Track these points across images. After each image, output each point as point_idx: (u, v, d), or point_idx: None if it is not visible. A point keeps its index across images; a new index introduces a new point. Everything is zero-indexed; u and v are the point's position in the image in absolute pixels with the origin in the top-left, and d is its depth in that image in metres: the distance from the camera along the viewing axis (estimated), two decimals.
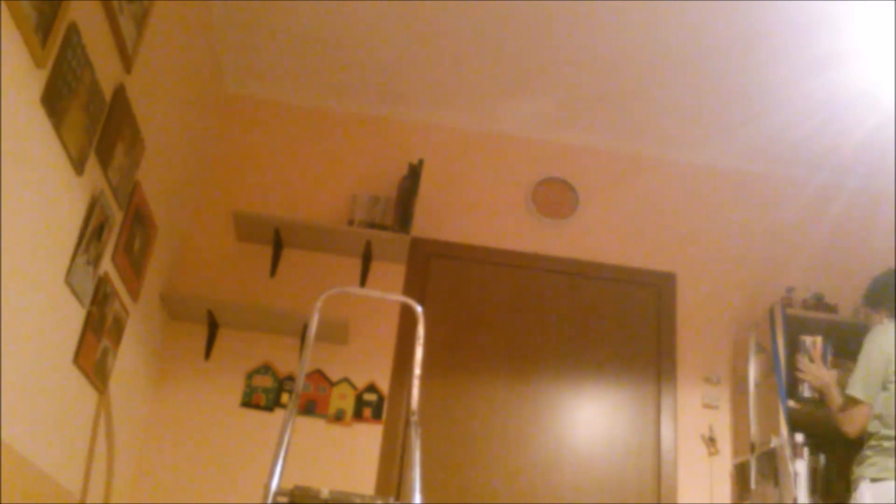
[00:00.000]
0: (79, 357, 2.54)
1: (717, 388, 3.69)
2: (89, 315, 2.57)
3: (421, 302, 2.71)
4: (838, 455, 3.44)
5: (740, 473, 3.49)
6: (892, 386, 2.83)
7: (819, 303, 3.63)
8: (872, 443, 2.82)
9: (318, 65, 3.81)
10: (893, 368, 2.85)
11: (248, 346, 3.57)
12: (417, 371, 2.51)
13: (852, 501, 2.81)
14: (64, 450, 2.57)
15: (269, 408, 3.48)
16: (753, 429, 3.39)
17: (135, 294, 3.02)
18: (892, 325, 2.93)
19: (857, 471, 2.84)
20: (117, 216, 2.70)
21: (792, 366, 3.28)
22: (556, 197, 4.01)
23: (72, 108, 2.19)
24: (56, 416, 2.46)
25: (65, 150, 2.20)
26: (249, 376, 3.52)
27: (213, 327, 3.54)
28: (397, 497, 3.34)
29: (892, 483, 2.70)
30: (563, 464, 3.55)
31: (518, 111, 3.99)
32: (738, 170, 4.15)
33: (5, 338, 2.03)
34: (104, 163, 2.50)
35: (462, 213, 3.94)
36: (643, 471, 3.55)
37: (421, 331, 2.55)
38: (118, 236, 2.75)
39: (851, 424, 2.88)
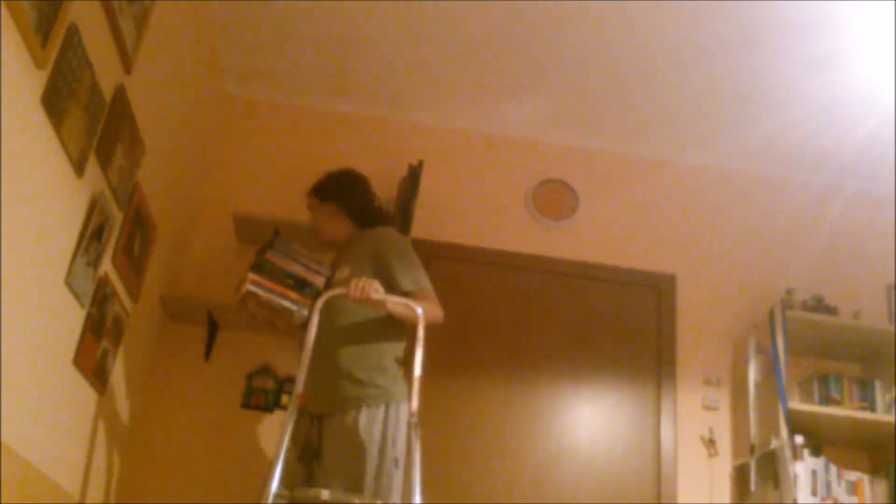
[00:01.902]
0: (78, 358, 2.53)
1: (717, 390, 3.69)
2: (89, 316, 2.57)
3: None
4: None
5: (740, 475, 3.48)
6: None
7: (819, 304, 3.63)
8: None
9: (317, 66, 3.81)
10: None
11: (248, 347, 3.57)
12: (417, 372, 2.51)
13: None
14: (63, 451, 2.57)
15: (268, 409, 3.48)
16: (753, 430, 3.39)
17: (134, 295, 3.02)
18: None
19: None
20: (117, 217, 2.70)
21: None
22: (556, 198, 4.01)
23: (72, 109, 2.19)
24: (56, 417, 2.46)
25: (65, 150, 2.20)
26: (249, 377, 3.52)
27: (212, 328, 3.53)
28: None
29: None
30: (562, 465, 3.55)
31: (518, 112, 3.99)
32: (739, 171, 4.15)
33: (5, 338, 2.03)
34: (104, 164, 2.50)
35: (462, 215, 3.94)
36: (643, 472, 3.55)
37: (421, 332, 2.55)
38: (118, 237, 2.75)
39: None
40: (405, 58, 3.68)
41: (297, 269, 2.84)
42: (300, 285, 2.82)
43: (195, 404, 3.46)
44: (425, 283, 2.76)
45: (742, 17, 3.17)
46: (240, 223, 3.63)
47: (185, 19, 3.15)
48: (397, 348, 2.76)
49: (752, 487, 3.30)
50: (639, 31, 3.32)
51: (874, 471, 3.48)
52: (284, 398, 3.48)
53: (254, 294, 2.75)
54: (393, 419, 2.60)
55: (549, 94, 3.82)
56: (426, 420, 3.44)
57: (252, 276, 2.75)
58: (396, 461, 2.55)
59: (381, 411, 2.59)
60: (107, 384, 2.86)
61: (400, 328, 2.76)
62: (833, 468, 3.33)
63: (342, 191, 3.01)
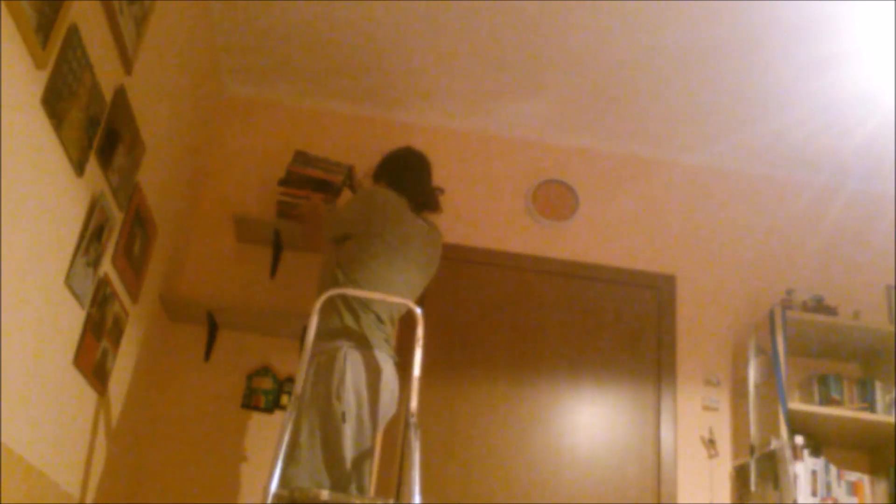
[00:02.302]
0: (78, 358, 2.53)
1: (717, 390, 3.69)
2: (89, 316, 2.57)
3: (420, 303, 2.71)
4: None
5: (740, 475, 3.49)
6: None
7: (819, 305, 3.62)
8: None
9: (317, 66, 3.81)
10: None
11: (248, 347, 3.57)
12: (417, 372, 2.51)
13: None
14: (63, 451, 2.57)
15: (268, 409, 3.47)
16: (753, 431, 3.39)
17: (135, 295, 3.02)
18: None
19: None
20: (117, 217, 2.70)
21: None
22: (556, 199, 4.01)
23: (72, 110, 2.19)
24: (56, 418, 2.46)
25: (65, 151, 2.20)
26: (249, 378, 3.52)
27: (212, 329, 3.53)
28: (397, 498, 3.33)
29: None
30: (562, 466, 3.55)
31: (518, 113, 3.99)
32: (739, 171, 4.15)
33: (5, 339, 2.03)
34: (104, 164, 2.50)
35: (462, 215, 3.93)
36: (643, 472, 3.55)
37: (420, 332, 2.55)
38: (118, 238, 2.75)
39: None
40: (405, 58, 3.68)
41: (317, 173, 3.48)
42: (322, 186, 3.45)
43: (195, 404, 3.46)
44: (339, 210, 2.83)
45: (742, 18, 3.17)
46: (240, 224, 3.63)
47: (185, 19, 3.15)
48: (343, 286, 2.65)
49: (752, 488, 3.30)
50: (639, 31, 3.32)
51: (874, 471, 3.48)
52: (284, 398, 3.48)
53: (285, 203, 3.46)
54: (336, 369, 2.52)
55: (549, 94, 3.82)
56: (426, 420, 3.46)
57: (280, 188, 3.47)
58: (343, 416, 2.47)
59: (327, 363, 2.53)
60: (107, 384, 2.86)
61: (337, 268, 2.72)
62: (833, 469, 3.33)
63: (382, 168, 3.10)
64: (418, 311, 2.58)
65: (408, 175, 3.05)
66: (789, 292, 3.66)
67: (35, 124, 2.02)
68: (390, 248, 2.78)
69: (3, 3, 1.77)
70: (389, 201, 2.87)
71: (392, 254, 2.78)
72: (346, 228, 2.84)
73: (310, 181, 3.49)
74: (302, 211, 3.39)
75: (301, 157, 3.59)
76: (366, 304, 2.67)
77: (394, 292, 2.70)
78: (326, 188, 3.48)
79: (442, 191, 3.15)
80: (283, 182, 3.52)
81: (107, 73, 2.40)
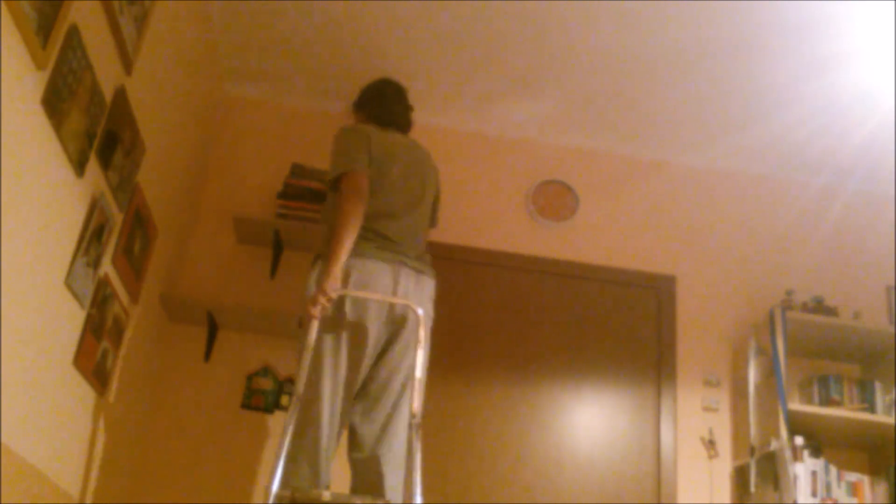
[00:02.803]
0: (79, 359, 2.53)
1: (717, 391, 3.69)
2: (89, 317, 2.57)
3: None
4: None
5: (740, 476, 3.48)
6: None
7: (819, 305, 3.62)
8: None
9: (317, 67, 3.81)
10: None
11: (248, 348, 3.57)
12: (419, 374, 2.51)
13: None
14: (63, 451, 2.57)
15: (269, 410, 3.47)
16: (753, 432, 3.39)
17: (135, 296, 3.02)
18: None
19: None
20: (117, 218, 2.70)
21: None
22: (556, 199, 4.01)
23: (72, 110, 2.19)
24: (55, 418, 2.46)
25: (65, 151, 2.20)
26: (249, 378, 3.52)
27: (212, 329, 3.53)
28: None
29: None
30: (562, 466, 3.55)
31: (518, 113, 3.99)
32: (739, 172, 4.15)
33: (5, 339, 2.03)
34: (104, 164, 2.50)
35: (462, 216, 3.93)
36: (643, 473, 3.55)
37: (421, 333, 2.55)
38: (118, 238, 2.75)
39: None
40: (405, 58, 3.68)
41: (313, 185, 3.58)
42: (318, 196, 3.54)
43: (195, 405, 3.46)
44: (341, 166, 2.76)
45: (742, 18, 3.17)
46: (240, 224, 3.63)
47: (185, 20, 3.15)
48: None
49: (752, 489, 3.30)
50: (639, 31, 3.32)
51: (874, 472, 3.48)
52: (284, 399, 3.48)
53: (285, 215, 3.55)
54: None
55: (549, 94, 3.82)
56: (426, 420, 3.46)
57: (279, 201, 3.57)
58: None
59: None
60: (107, 385, 2.86)
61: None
62: (833, 469, 3.33)
63: (358, 100, 3.19)
64: (419, 311, 2.58)
65: (379, 102, 3.12)
66: (789, 293, 3.66)
67: (35, 124, 2.02)
68: (381, 167, 2.81)
69: (3, 3, 1.77)
70: (356, 131, 2.91)
71: (385, 170, 2.81)
72: (339, 168, 2.78)
73: (308, 192, 3.58)
74: None
75: (298, 169, 3.68)
76: (373, 231, 2.72)
77: (400, 204, 2.79)
78: (322, 199, 3.52)
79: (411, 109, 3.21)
80: (282, 195, 3.60)
81: (107, 73, 2.40)
